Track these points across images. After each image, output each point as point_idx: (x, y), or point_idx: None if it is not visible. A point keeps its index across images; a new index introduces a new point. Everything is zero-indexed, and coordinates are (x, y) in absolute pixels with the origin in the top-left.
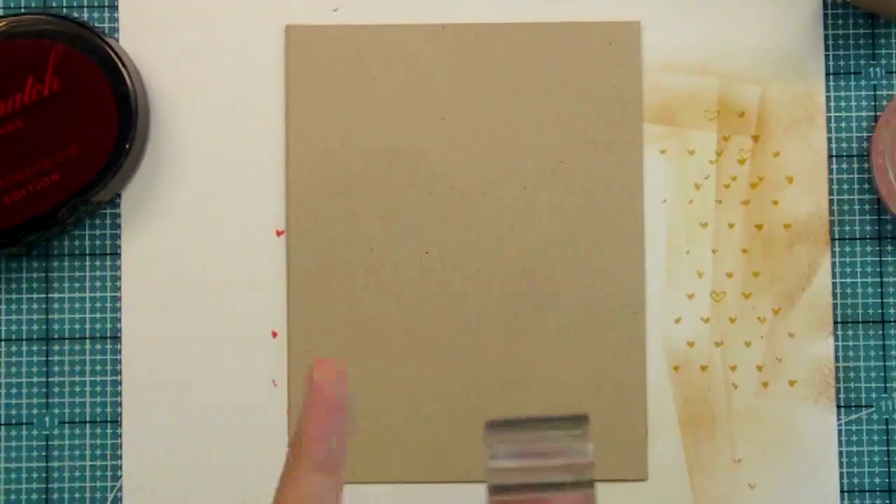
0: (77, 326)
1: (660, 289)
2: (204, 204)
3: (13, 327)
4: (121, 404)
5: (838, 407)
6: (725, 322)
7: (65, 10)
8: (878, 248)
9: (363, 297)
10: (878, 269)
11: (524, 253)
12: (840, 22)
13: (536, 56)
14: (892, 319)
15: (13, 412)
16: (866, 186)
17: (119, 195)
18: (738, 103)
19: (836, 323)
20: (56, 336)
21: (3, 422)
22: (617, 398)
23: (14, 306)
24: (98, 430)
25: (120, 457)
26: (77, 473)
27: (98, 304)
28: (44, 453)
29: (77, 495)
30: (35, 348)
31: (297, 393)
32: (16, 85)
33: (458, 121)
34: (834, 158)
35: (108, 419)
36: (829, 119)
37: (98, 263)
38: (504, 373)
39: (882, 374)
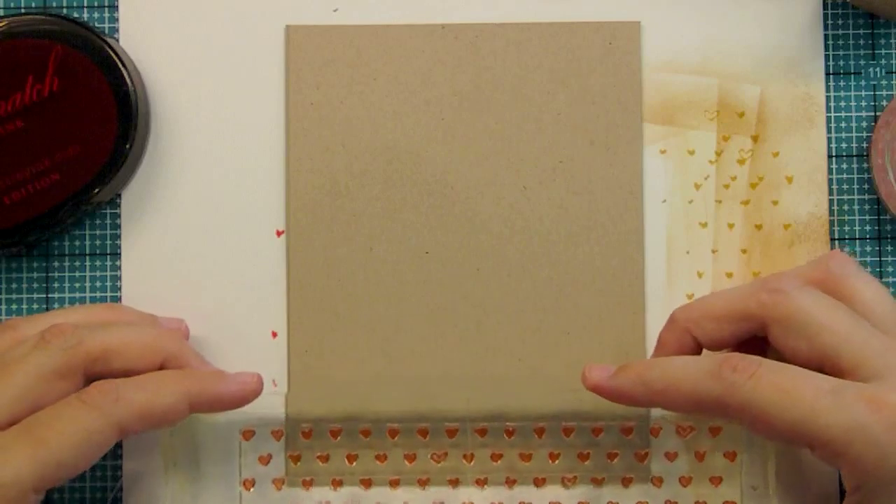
0: None
1: (660, 289)
2: (204, 204)
3: None
4: None
5: None
6: None
7: (65, 10)
8: (877, 248)
9: (363, 297)
10: (878, 270)
11: (524, 253)
12: (840, 22)
13: (536, 56)
14: None
15: None
16: (866, 186)
17: (119, 195)
18: (738, 103)
19: None
20: None
21: None
22: None
23: (14, 306)
24: None
25: (120, 456)
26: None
27: None
28: None
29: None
30: None
31: (297, 393)
32: (16, 85)
33: (458, 121)
34: (834, 158)
35: None
36: (829, 119)
37: (98, 263)
38: (504, 373)
39: None
